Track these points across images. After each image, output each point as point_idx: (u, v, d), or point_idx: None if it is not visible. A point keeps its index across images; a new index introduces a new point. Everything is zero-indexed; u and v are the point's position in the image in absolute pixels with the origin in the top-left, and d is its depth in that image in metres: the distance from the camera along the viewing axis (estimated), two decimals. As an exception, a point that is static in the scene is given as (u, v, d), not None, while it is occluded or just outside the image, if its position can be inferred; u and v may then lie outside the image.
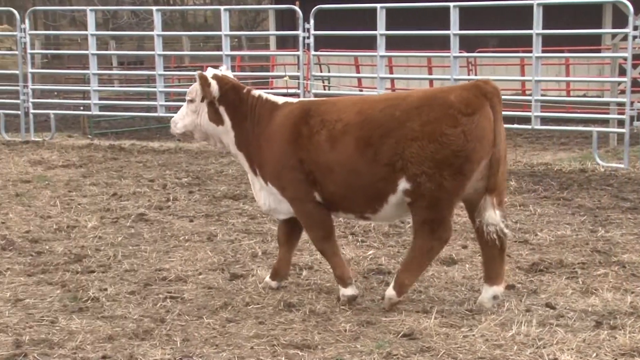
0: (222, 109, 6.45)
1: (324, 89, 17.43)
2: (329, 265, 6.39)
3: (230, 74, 6.67)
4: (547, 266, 7.04)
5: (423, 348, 5.31)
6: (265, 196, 6.40)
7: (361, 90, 17.43)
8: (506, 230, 5.84)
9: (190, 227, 8.70)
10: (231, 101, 6.43)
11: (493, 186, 5.78)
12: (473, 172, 5.75)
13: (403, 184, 5.80)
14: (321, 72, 18.25)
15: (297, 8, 14.48)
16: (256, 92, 6.49)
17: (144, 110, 17.25)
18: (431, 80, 18.23)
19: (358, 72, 19.11)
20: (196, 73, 6.50)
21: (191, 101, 6.54)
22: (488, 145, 5.73)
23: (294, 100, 6.46)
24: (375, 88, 14.27)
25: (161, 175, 11.71)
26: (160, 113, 15.37)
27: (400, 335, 5.55)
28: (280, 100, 6.42)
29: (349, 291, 6.18)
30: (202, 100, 6.45)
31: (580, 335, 5.42)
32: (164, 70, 15.96)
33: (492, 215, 5.76)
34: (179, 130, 6.64)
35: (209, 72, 6.49)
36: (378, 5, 13.41)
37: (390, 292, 5.97)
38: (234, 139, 6.47)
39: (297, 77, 14.66)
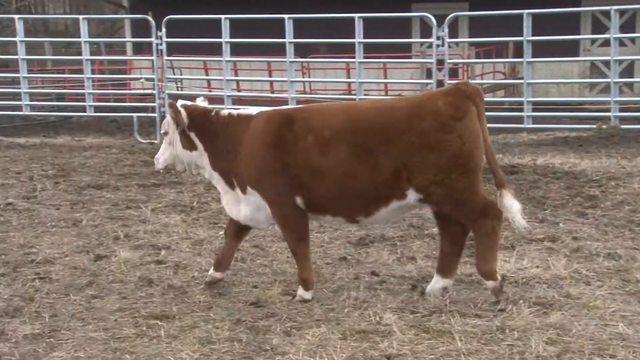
0: (192, 135, 5.81)
1: (177, 90, 17.12)
2: (297, 266, 5.74)
3: (205, 104, 6.03)
4: (372, 240, 7.18)
5: (268, 314, 5.33)
6: (244, 208, 5.77)
7: (210, 91, 17.23)
8: (524, 224, 5.41)
9: (57, 214, 8.35)
10: (200, 125, 5.80)
11: (501, 180, 5.37)
12: (479, 168, 5.36)
13: (414, 195, 5.34)
14: (174, 75, 17.90)
15: (150, 18, 14.17)
16: (226, 111, 5.84)
17: (10, 109, 16.37)
18: (271, 82, 18.31)
19: (207, 75, 18.88)
20: (167, 102, 5.92)
21: (165, 134, 5.95)
22: (481, 143, 5.36)
23: (268, 108, 5.86)
24: (223, 89, 14.18)
25: (28, 168, 11.16)
26: (26, 112, 14.99)
27: (248, 303, 5.55)
28: (254, 111, 5.80)
29: (307, 295, 5.62)
30: (176, 128, 5.85)
31: (399, 297, 5.59)
32: (28, 73, 15.28)
33: (516, 205, 5.31)
34: (161, 165, 6.02)
35: (178, 103, 5.89)
36: (222, 16, 13.34)
37: (489, 284, 5.44)
38: (208, 161, 5.82)
39: (153, 80, 14.34)
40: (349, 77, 17.45)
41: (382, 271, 6.27)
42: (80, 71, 15.20)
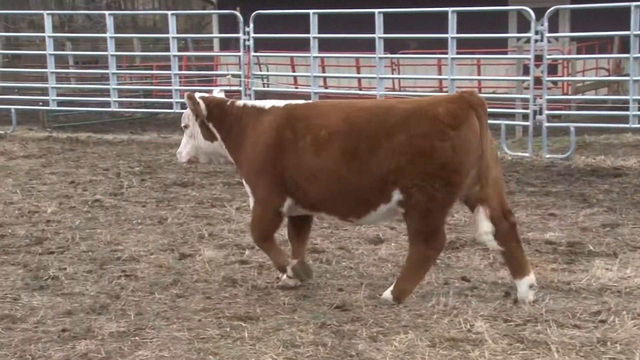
0: (211, 126, 6.10)
1: (263, 87, 17.35)
2: (270, 260, 6.10)
3: (222, 95, 6.33)
4: (463, 244, 7.10)
5: (354, 318, 5.32)
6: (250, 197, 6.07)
7: (297, 88, 17.38)
8: (494, 244, 5.42)
9: (143, 211, 8.58)
10: (217, 116, 6.05)
11: (485, 196, 5.33)
12: (462, 183, 5.33)
13: (397, 196, 5.38)
14: (260, 71, 18.14)
15: (237, 13, 14.39)
16: (241, 102, 6.13)
17: (98, 105, 16.96)
18: (359, 79, 18.31)
19: (294, 71, 19.06)
20: (185, 94, 6.17)
21: (186, 127, 6.22)
22: (475, 156, 5.29)
23: (281, 103, 5.95)
24: (310, 86, 14.27)
25: (115, 165, 11.52)
26: (114, 108, 15.36)
27: (333, 307, 5.55)
28: (267, 104, 5.95)
29: (289, 273, 5.92)
30: (196, 120, 6.12)
31: (491, 305, 5.50)
32: (117, 69, 15.73)
33: (486, 227, 5.34)
34: (184, 159, 6.30)
35: (196, 95, 6.13)
36: (311, 11, 13.42)
37: (387, 294, 5.56)
38: (227, 150, 6.10)
39: (239, 76, 14.56)
40: (440, 74, 17.30)
41: (473, 277, 6.18)
42: (168, 67, 15.57)
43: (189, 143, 6.25)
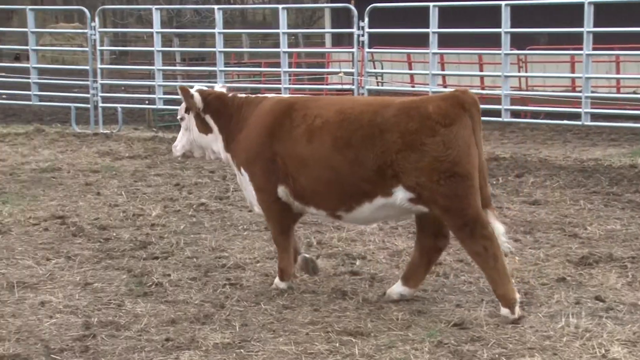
0: (208, 117, 6.44)
1: (377, 85, 17.35)
2: (278, 256, 6.35)
3: (224, 90, 6.63)
4: (597, 260, 6.90)
5: (473, 337, 5.25)
6: (248, 192, 6.34)
7: (413, 87, 17.30)
8: (508, 246, 5.63)
9: (249, 217, 8.72)
10: (215, 108, 6.40)
11: (487, 198, 5.58)
12: (471, 174, 5.48)
13: (402, 193, 5.59)
14: (375, 68, 18.15)
15: (352, 6, 14.44)
16: (243, 95, 6.50)
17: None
18: (482, 77, 18.04)
19: (410, 69, 18.99)
20: (178, 87, 6.54)
21: (182, 119, 6.59)
22: (475, 153, 5.51)
23: (284, 96, 6.30)
24: (427, 84, 14.17)
25: (221, 167, 11.74)
26: (221, 107, 15.64)
27: (451, 324, 5.49)
28: (269, 95, 6.41)
29: (282, 285, 6.26)
30: (188, 113, 6.50)
31: (629, 328, 5.31)
32: (225, 67, 16.05)
33: (500, 228, 5.52)
34: (179, 152, 6.70)
35: (193, 89, 6.49)
36: (431, 4, 13.30)
37: (504, 311, 5.55)
38: (222, 143, 6.42)
39: (352, 74, 14.59)
40: (573, 72, 16.85)
41: (608, 296, 5.99)
42: (277, 64, 15.77)
43: (185, 136, 6.63)
